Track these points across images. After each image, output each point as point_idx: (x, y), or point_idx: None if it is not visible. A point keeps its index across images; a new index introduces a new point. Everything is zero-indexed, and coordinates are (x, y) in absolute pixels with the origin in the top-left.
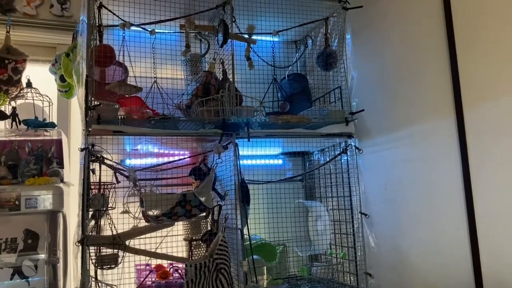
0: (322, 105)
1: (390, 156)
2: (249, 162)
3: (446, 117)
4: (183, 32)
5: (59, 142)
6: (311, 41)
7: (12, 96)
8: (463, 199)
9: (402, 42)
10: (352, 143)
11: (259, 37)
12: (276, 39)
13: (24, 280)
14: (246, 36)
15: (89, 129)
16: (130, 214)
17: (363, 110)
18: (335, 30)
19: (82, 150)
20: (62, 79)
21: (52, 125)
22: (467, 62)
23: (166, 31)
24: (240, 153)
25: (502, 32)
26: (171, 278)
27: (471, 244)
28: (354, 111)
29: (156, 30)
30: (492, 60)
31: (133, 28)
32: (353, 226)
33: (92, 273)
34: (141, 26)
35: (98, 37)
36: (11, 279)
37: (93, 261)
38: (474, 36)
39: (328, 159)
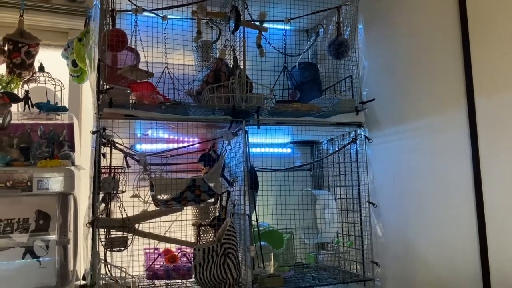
0: (333, 94)
1: (400, 147)
2: (258, 150)
3: (457, 109)
4: (195, 19)
5: (70, 126)
6: (322, 29)
7: (25, 79)
8: (472, 192)
9: (415, 32)
10: (362, 133)
11: (270, 25)
12: (287, 27)
13: (35, 259)
14: (258, 23)
15: (101, 112)
16: (140, 198)
17: (373, 99)
18: (347, 19)
19: (93, 133)
20: (74, 64)
21: (63, 109)
22: (480, 53)
23: (178, 17)
24: (250, 141)
25: None
26: (179, 262)
27: (479, 237)
28: (365, 100)
29: (168, 16)
30: (506, 51)
31: (145, 13)
32: (360, 215)
33: (101, 255)
34: (154, 11)
35: (111, 22)
36: (22, 258)
37: (103, 243)
38: (488, 26)
39: (337, 149)
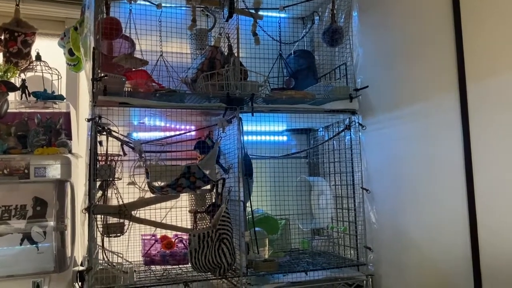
0: (328, 81)
1: (393, 133)
2: (254, 138)
3: (449, 94)
4: (189, 7)
5: (67, 115)
6: (318, 17)
7: (22, 68)
8: (463, 176)
9: (408, 19)
10: (356, 120)
11: (265, 13)
12: (283, 14)
13: (33, 245)
14: (253, 11)
15: (96, 100)
16: (136, 185)
17: (367, 86)
18: (342, 6)
19: (88, 120)
20: (70, 52)
21: (60, 97)
22: (472, 39)
23: (173, 5)
24: (246, 129)
25: (508, 7)
26: (175, 248)
27: (470, 221)
28: (359, 87)
29: (163, 4)
30: (496, 37)
31: (140, 1)
32: (354, 201)
33: (99, 241)
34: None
35: (105, 11)
36: (20, 244)
37: (100, 229)
38: (480, 12)
39: (331, 136)
